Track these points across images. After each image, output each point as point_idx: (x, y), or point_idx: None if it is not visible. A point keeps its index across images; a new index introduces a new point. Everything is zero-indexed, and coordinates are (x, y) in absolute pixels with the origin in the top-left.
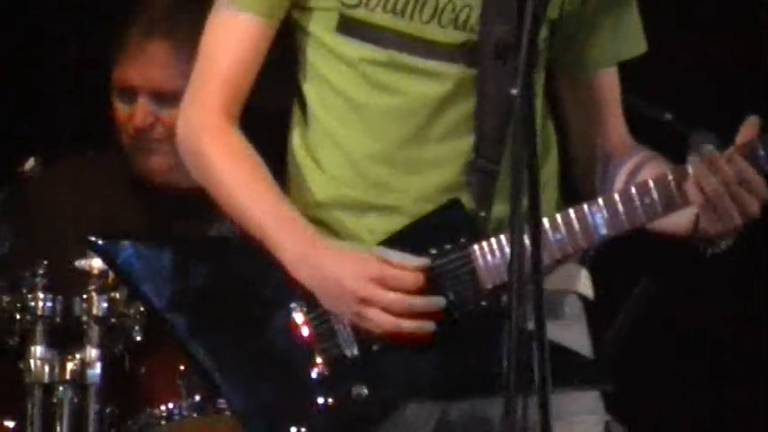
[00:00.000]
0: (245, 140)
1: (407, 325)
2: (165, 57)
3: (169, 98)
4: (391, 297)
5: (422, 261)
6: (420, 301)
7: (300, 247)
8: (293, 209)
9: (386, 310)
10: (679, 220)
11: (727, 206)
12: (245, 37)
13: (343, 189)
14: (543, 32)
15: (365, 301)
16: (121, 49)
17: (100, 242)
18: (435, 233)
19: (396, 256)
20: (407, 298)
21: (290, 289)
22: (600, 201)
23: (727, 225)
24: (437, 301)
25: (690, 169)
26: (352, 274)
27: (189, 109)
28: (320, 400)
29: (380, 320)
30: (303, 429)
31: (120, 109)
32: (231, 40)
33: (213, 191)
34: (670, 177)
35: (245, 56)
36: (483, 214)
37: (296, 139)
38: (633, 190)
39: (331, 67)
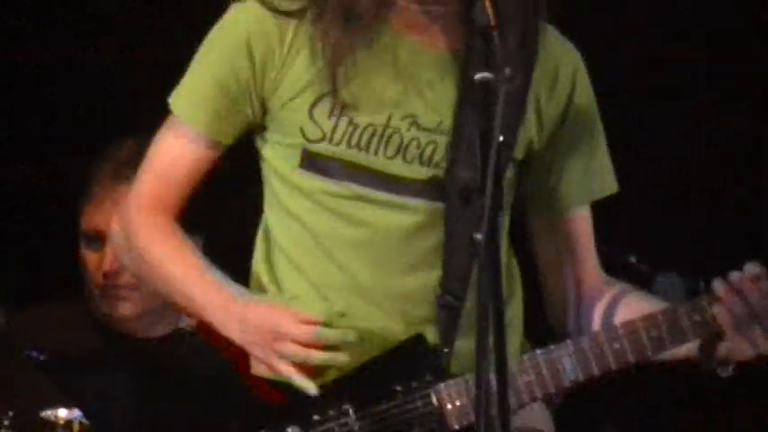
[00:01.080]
0: (173, 223)
1: (318, 356)
2: None
3: None
4: (303, 328)
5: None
6: (331, 333)
7: (224, 303)
8: (219, 275)
9: (296, 341)
10: (686, 349)
11: (754, 329)
12: (188, 147)
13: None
14: (509, 173)
15: (280, 335)
16: (89, 195)
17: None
18: (400, 369)
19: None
20: (318, 329)
21: (284, 412)
22: (569, 344)
23: (755, 348)
24: (347, 334)
25: (716, 294)
26: (268, 313)
27: (126, 198)
28: None
29: (294, 351)
30: None
31: (89, 255)
32: (174, 146)
33: (144, 270)
34: (681, 310)
35: (183, 162)
36: (446, 350)
37: (259, 254)
38: (603, 334)
39: (294, 199)
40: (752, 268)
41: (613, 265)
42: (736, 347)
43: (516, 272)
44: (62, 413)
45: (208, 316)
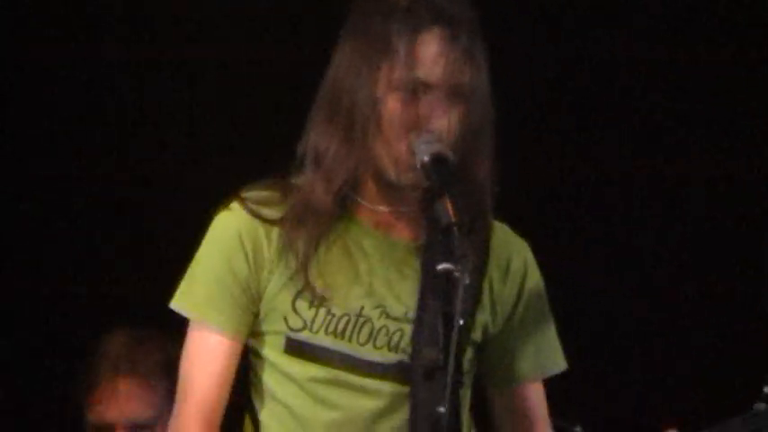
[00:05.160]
0: None
1: None
2: (134, 391)
3: (144, 428)
4: None
5: None
6: None
7: None
8: None
9: None
10: None
11: None
12: (216, 358)
13: None
14: (469, 354)
15: None
16: (93, 388)
17: None
18: None
19: None
20: None
21: None
22: None
23: None
24: None
25: None
26: None
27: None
28: None
29: None
30: None
31: None
32: (204, 363)
33: None
34: None
35: (217, 376)
36: None
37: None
38: None
39: (279, 384)
40: None
41: None
42: None
43: None
44: None
45: None
